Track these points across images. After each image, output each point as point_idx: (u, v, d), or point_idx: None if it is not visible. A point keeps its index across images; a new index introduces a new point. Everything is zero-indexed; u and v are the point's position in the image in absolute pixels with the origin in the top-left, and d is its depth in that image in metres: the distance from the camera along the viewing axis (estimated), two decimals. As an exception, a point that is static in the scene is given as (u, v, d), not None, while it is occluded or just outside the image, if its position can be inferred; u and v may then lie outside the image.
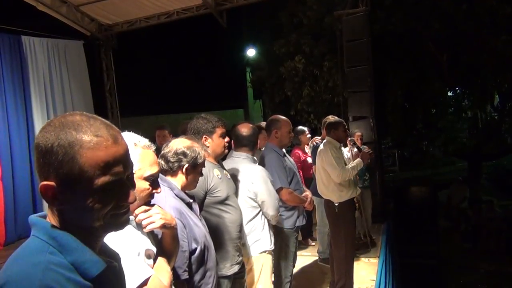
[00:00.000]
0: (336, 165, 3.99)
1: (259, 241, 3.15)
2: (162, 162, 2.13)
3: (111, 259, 1.04)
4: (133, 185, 1.02)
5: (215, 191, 2.66)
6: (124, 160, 0.98)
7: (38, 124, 7.31)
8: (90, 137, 0.93)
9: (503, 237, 9.24)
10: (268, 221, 3.22)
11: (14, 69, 7.15)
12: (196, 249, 2.08)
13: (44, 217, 1.00)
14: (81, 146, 0.91)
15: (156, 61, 15.99)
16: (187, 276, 2.00)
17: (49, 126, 0.94)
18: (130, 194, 1.00)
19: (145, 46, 14.90)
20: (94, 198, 0.93)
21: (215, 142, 2.77)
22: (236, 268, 2.71)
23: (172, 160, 2.14)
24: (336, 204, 4.08)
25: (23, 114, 7.18)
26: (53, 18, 7.80)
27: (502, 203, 11.17)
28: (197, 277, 2.12)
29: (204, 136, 2.74)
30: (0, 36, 7.03)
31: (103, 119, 1.00)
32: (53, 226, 0.95)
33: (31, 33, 7.60)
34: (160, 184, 2.04)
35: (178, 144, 2.18)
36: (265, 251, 3.18)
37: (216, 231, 2.61)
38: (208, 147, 2.74)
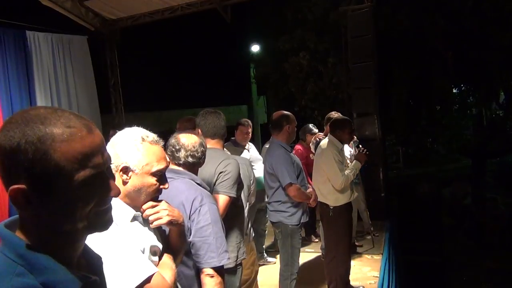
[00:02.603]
0: (339, 172, 3.89)
1: (251, 229, 3.28)
2: (192, 159, 2.22)
3: (91, 270, 0.96)
4: (113, 177, 0.94)
5: (241, 181, 2.84)
6: (102, 150, 0.89)
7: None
8: (62, 129, 0.83)
9: (507, 234, 9.22)
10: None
11: (19, 64, 7.16)
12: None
13: (14, 224, 0.88)
14: (53, 140, 0.81)
15: (160, 56, 16.00)
16: (231, 260, 2.10)
17: (10, 124, 0.82)
18: (113, 186, 0.92)
19: (149, 41, 14.90)
20: (75, 196, 0.84)
21: None
22: (245, 255, 2.85)
23: (203, 157, 2.27)
24: (331, 208, 4.00)
25: (27, 109, 7.20)
26: (57, 13, 7.80)
27: (506, 200, 11.12)
28: None
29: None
30: (4, 31, 7.04)
31: (70, 111, 0.90)
32: (21, 240, 0.84)
33: (35, 28, 7.60)
34: (181, 177, 2.14)
35: (196, 139, 2.27)
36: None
37: (235, 219, 2.74)
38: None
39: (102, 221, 0.92)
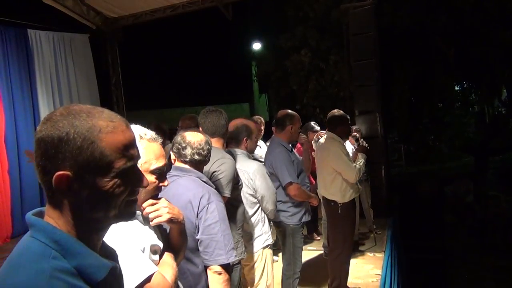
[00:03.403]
0: (351, 165, 3.87)
1: (261, 236, 3.20)
2: (198, 157, 2.22)
3: (112, 259, 1.01)
4: None
5: (239, 179, 2.81)
6: (135, 144, 0.99)
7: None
8: (106, 122, 0.92)
9: (509, 232, 9.20)
10: (267, 215, 3.27)
11: (21, 63, 7.17)
12: None
13: (40, 214, 0.95)
14: (100, 131, 0.90)
15: (162, 54, 15.97)
16: (237, 258, 2.09)
17: (56, 116, 0.91)
18: (144, 178, 1.01)
19: (151, 39, 14.89)
20: (115, 183, 0.92)
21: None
22: (244, 255, 2.83)
23: (209, 155, 2.27)
24: (340, 205, 3.98)
25: (29, 107, 7.21)
26: (59, 12, 7.80)
27: (509, 198, 11.09)
28: None
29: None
30: (6, 29, 7.05)
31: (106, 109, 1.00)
32: (54, 227, 0.90)
33: (37, 27, 7.60)
34: (187, 175, 2.16)
35: (202, 137, 2.27)
36: (267, 246, 3.24)
37: (231, 221, 2.69)
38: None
39: (130, 211, 1.00)
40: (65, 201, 0.91)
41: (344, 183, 3.94)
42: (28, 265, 0.84)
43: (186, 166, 2.22)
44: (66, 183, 0.88)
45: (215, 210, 2.05)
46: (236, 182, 2.75)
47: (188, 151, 2.20)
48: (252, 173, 3.10)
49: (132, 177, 0.96)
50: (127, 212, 0.99)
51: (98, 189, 0.91)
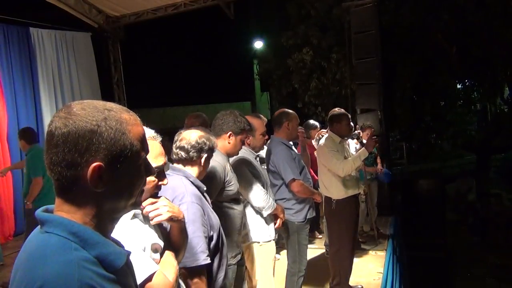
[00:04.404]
0: (335, 160, 3.86)
1: (250, 232, 3.16)
2: (182, 153, 2.16)
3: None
4: None
5: (229, 184, 2.71)
6: None
7: (47, 115, 7.35)
8: (128, 115, 0.97)
9: (511, 230, 9.19)
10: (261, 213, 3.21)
11: (23, 61, 7.19)
12: (213, 236, 2.11)
13: (47, 211, 0.95)
14: (127, 123, 0.95)
15: (164, 53, 15.98)
16: (209, 261, 2.02)
17: (78, 110, 0.91)
18: (152, 167, 1.06)
19: (153, 38, 14.89)
20: (140, 172, 0.98)
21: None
22: (239, 257, 2.78)
23: (193, 150, 2.16)
24: (334, 201, 3.98)
25: (32, 106, 7.23)
26: (61, 10, 7.80)
27: (511, 196, 11.08)
28: (214, 264, 2.14)
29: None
30: (8, 28, 7.06)
31: None
32: (70, 220, 0.91)
33: (39, 25, 7.61)
34: (175, 174, 2.10)
35: (194, 134, 2.19)
36: (257, 242, 3.19)
37: (225, 222, 2.64)
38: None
39: (140, 201, 1.05)
40: (89, 192, 0.91)
41: (335, 179, 3.96)
42: (54, 257, 0.85)
43: (176, 165, 2.18)
44: (97, 174, 0.89)
45: (185, 212, 1.95)
46: (223, 186, 2.68)
47: (174, 149, 2.18)
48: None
49: (146, 167, 1.02)
50: (139, 201, 1.04)
51: (127, 178, 0.95)
